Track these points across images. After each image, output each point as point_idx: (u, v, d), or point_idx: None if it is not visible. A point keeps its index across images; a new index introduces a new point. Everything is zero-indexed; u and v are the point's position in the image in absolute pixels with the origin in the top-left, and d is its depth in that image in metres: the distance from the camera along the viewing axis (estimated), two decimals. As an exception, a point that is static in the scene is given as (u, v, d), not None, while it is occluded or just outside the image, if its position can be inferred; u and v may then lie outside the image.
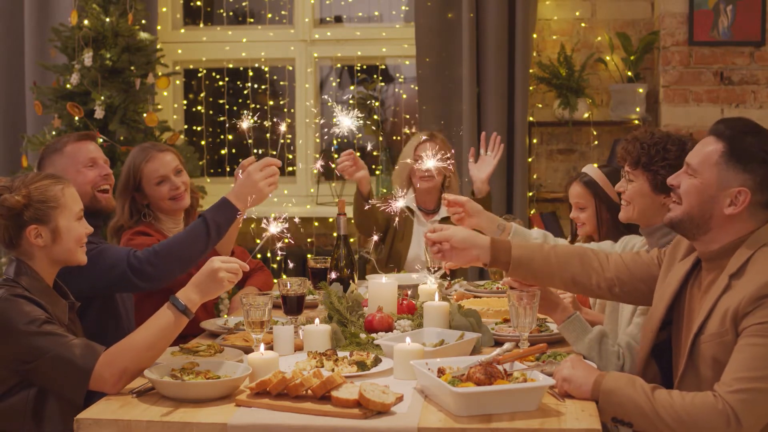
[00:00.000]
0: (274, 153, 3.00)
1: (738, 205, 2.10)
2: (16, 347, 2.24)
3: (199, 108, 5.50)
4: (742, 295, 2.03)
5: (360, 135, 5.39)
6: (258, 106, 5.47)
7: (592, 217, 3.15)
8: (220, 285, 2.31)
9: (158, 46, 4.99)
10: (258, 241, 2.53)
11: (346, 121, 2.98)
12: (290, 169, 5.37)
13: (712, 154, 2.13)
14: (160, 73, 4.84)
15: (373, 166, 5.39)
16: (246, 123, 2.93)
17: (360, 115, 3.02)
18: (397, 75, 5.44)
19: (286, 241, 2.57)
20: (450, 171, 3.94)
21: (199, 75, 5.50)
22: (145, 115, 4.63)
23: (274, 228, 2.49)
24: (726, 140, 2.12)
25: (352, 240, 4.92)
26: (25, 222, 2.37)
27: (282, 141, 2.92)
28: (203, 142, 5.45)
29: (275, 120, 2.93)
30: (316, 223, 5.24)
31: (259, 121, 2.91)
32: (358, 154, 3.78)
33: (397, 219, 3.54)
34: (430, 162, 3.27)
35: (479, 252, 2.42)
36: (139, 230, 3.24)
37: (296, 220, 2.53)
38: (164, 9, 5.36)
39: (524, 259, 2.42)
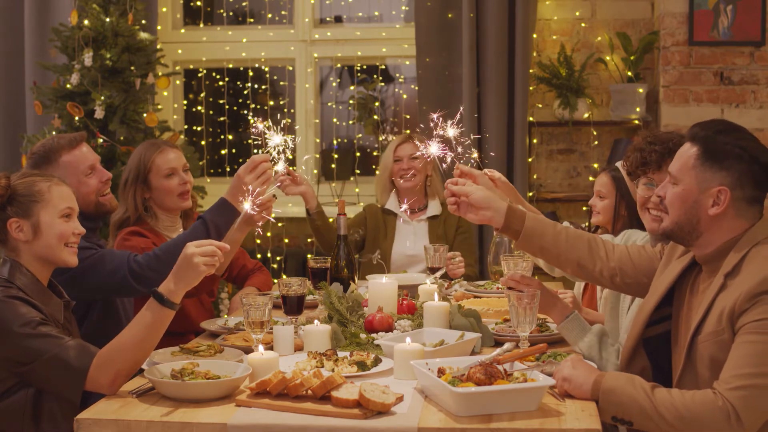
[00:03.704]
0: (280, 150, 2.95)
1: (721, 205, 2.12)
2: (12, 349, 2.23)
3: (199, 108, 5.50)
4: (738, 293, 2.03)
5: (360, 135, 5.39)
6: (258, 106, 5.47)
7: (608, 209, 3.15)
8: (197, 270, 2.26)
9: (158, 46, 4.99)
10: (258, 241, 2.53)
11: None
12: (290, 169, 5.36)
13: (688, 158, 2.15)
14: (160, 73, 4.84)
15: (373, 167, 5.39)
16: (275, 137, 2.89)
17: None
18: (397, 75, 5.44)
19: (273, 216, 2.53)
20: (431, 166, 3.94)
21: (199, 75, 5.50)
22: (145, 115, 4.63)
23: (248, 206, 2.47)
24: (700, 142, 2.14)
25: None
26: (7, 215, 2.38)
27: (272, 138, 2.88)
28: (203, 142, 5.45)
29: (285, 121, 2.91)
30: (316, 223, 5.23)
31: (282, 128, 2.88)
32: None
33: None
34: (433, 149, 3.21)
35: (494, 214, 2.41)
36: (133, 230, 3.21)
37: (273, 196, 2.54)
38: (164, 9, 5.36)
39: (536, 231, 2.42)
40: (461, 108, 2.87)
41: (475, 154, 3.14)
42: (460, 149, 2.93)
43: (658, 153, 2.56)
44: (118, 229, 3.27)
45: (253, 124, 2.83)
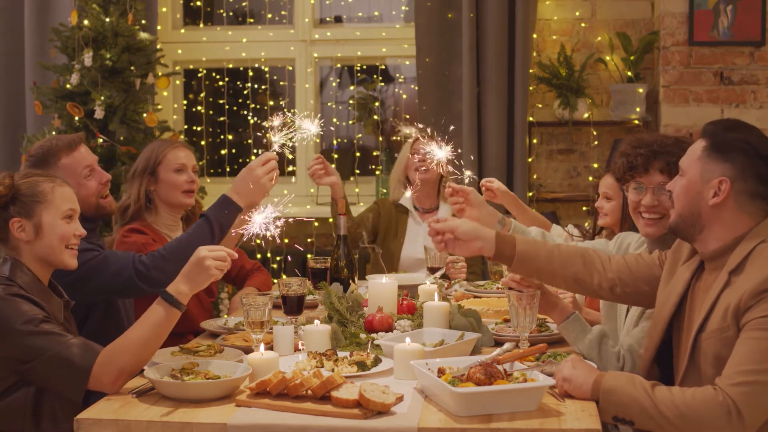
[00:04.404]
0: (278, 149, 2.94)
1: (720, 195, 2.13)
2: (13, 347, 2.23)
3: (199, 108, 5.50)
4: (743, 290, 2.04)
5: (360, 135, 5.39)
6: (258, 106, 5.47)
7: (616, 210, 3.15)
8: (208, 273, 2.29)
9: (158, 46, 4.99)
10: (258, 241, 2.51)
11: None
12: (290, 169, 5.37)
13: (696, 151, 2.18)
14: (160, 73, 4.84)
15: (373, 167, 5.39)
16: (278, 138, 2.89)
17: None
18: (397, 75, 5.44)
19: (270, 236, 2.50)
20: (447, 165, 3.95)
21: (199, 75, 5.50)
22: (145, 115, 4.63)
23: (258, 221, 2.46)
24: (708, 136, 2.18)
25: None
26: (10, 215, 2.39)
27: (281, 137, 2.88)
28: (203, 142, 5.45)
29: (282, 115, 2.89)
30: (316, 223, 5.24)
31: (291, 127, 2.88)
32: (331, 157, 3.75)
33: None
34: (439, 153, 3.23)
35: (484, 244, 2.41)
36: (132, 228, 3.22)
37: (278, 220, 2.49)
38: (164, 9, 5.36)
39: (529, 254, 2.42)
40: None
41: (468, 173, 3.17)
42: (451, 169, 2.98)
43: (643, 156, 2.55)
44: (121, 215, 3.30)
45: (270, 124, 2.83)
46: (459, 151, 3.31)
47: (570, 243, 2.98)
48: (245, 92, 5.45)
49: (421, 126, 3.83)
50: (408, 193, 4.15)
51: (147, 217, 3.31)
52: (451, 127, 3.79)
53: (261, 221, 2.48)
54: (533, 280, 2.51)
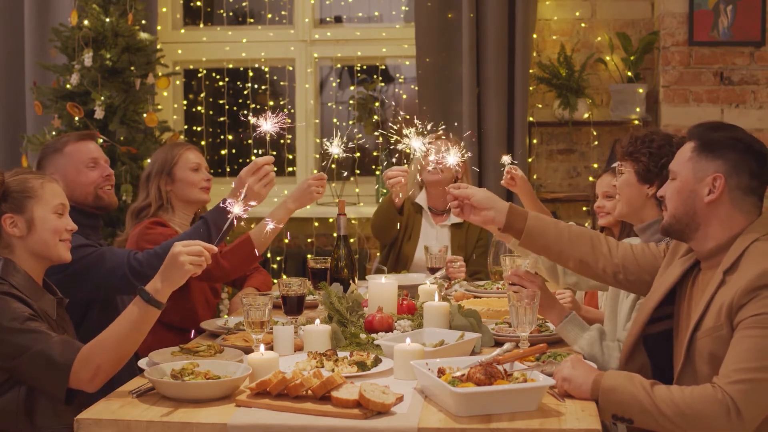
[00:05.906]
0: (274, 153, 2.96)
1: (716, 192, 2.15)
2: (1, 345, 2.24)
3: (199, 108, 5.50)
4: (736, 288, 2.05)
5: (360, 135, 5.39)
6: (258, 107, 5.47)
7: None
8: (183, 269, 2.24)
9: (158, 47, 4.99)
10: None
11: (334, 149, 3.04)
12: (290, 169, 5.37)
13: (686, 152, 2.22)
14: (160, 74, 4.84)
15: (373, 167, 5.39)
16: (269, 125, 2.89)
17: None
18: (397, 75, 5.44)
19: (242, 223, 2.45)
20: (461, 168, 3.95)
21: (199, 75, 5.50)
22: (145, 115, 4.63)
23: (238, 209, 2.41)
24: (696, 137, 2.22)
25: (351, 240, 4.91)
26: (1, 211, 2.41)
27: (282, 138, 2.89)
28: (203, 143, 5.45)
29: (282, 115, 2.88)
30: (316, 223, 5.24)
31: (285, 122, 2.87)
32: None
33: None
34: (451, 159, 3.25)
35: (496, 214, 2.46)
36: (156, 221, 3.26)
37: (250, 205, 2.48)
38: (164, 9, 5.36)
39: (538, 229, 2.45)
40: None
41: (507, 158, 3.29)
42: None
43: (621, 146, 2.74)
44: (136, 216, 3.33)
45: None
46: (470, 154, 3.40)
47: None
48: (245, 92, 5.45)
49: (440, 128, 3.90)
50: (423, 194, 4.15)
51: (162, 215, 3.34)
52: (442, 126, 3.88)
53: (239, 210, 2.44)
54: (536, 276, 2.52)
